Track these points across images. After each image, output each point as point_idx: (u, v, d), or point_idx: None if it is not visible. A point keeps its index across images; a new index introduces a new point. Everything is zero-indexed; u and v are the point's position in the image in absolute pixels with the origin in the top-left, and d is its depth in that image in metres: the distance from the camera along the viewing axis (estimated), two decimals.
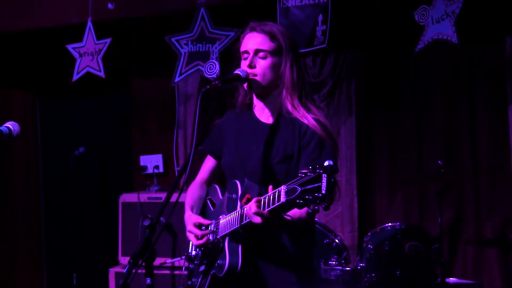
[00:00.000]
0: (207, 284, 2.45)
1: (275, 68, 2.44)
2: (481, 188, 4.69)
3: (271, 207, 2.12)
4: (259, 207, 2.16)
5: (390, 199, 4.93)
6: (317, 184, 1.94)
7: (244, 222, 2.28)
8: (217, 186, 2.69)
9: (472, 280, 4.50)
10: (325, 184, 1.92)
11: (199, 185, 2.71)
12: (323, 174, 1.93)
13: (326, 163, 1.95)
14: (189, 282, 2.62)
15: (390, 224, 4.11)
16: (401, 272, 3.93)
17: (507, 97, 4.51)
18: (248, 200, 2.29)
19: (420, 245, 3.99)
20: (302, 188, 1.98)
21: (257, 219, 2.16)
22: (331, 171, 1.93)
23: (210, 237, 2.48)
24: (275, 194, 2.11)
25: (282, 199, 2.07)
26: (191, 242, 2.69)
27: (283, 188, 2.07)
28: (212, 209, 2.64)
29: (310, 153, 2.37)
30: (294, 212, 2.28)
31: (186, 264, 2.71)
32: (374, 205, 4.98)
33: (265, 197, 2.16)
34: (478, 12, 4.16)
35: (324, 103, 4.89)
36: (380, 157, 4.97)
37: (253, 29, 2.48)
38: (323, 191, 1.92)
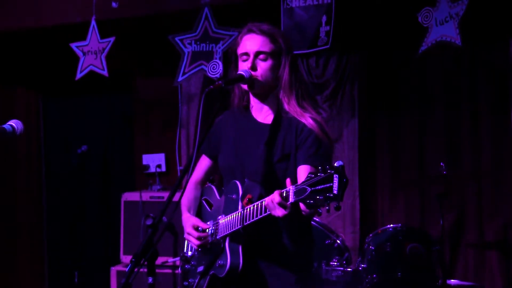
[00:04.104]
0: (205, 285, 2.46)
1: (274, 69, 2.46)
2: (483, 191, 4.68)
3: (295, 199, 2.08)
4: (283, 198, 2.13)
5: (391, 201, 4.92)
6: (328, 185, 1.94)
7: (246, 223, 2.28)
8: (213, 187, 2.69)
9: (473, 282, 4.50)
10: (336, 184, 1.93)
11: (193, 186, 2.71)
12: (335, 175, 1.94)
13: (336, 164, 1.95)
14: (185, 283, 2.62)
15: (391, 225, 4.12)
16: (402, 273, 3.93)
17: (510, 99, 4.50)
18: (250, 200, 2.29)
19: (422, 247, 3.99)
20: (312, 189, 1.98)
21: (280, 211, 2.14)
22: (343, 171, 1.94)
23: (209, 238, 2.49)
24: (283, 194, 2.11)
25: (291, 199, 2.07)
26: (186, 243, 2.69)
27: (291, 189, 2.08)
28: (209, 209, 2.64)
29: (307, 150, 2.38)
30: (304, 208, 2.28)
31: (181, 264, 2.72)
32: (376, 207, 4.98)
33: (283, 192, 2.13)
34: (482, 14, 4.15)
35: (327, 104, 4.89)
36: (382, 159, 4.97)
37: (251, 31, 2.48)
38: (335, 191, 1.93)
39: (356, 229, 4.85)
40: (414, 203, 4.85)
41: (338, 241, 4.12)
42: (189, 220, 2.56)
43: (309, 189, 1.99)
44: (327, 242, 4.08)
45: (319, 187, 1.97)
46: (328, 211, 1.99)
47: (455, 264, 4.73)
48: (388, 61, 4.92)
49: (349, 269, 4.03)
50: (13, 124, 2.39)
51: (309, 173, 2.02)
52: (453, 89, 4.76)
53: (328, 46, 4.12)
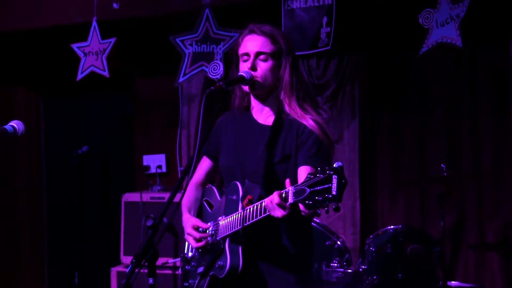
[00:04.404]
0: (205, 285, 2.46)
1: (275, 70, 2.46)
2: (484, 191, 4.68)
3: (294, 199, 2.08)
4: (282, 199, 2.13)
5: (392, 202, 4.92)
6: (327, 185, 1.95)
7: (246, 223, 2.29)
8: (214, 188, 2.70)
9: (473, 283, 4.50)
10: (335, 185, 1.94)
11: (194, 187, 2.71)
12: (333, 176, 1.94)
13: (335, 165, 1.96)
14: (186, 284, 2.63)
15: (392, 226, 4.12)
16: (402, 275, 3.93)
17: (510, 100, 4.50)
18: (250, 201, 2.29)
19: (422, 248, 3.99)
20: (311, 189, 1.99)
21: (279, 212, 2.14)
22: (342, 172, 1.95)
23: (209, 239, 2.49)
24: (283, 194, 2.11)
25: (290, 200, 2.08)
26: (187, 244, 2.69)
27: (291, 189, 2.08)
28: (209, 210, 2.65)
29: (307, 150, 2.39)
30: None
31: (182, 265, 2.72)
32: (376, 208, 4.98)
33: (283, 192, 2.14)
34: (482, 15, 4.15)
35: (327, 105, 4.90)
36: (382, 159, 4.97)
37: (252, 31, 2.49)
38: (334, 192, 1.94)
39: (356, 230, 4.85)
40: (415, 204, 4.85)
41: (339, 242, 4.12)
42: (189, 221, 2.57)
43: (308, 190, 2.00)
44: (327, 243, 4.08)
45: (318, 188, 1.98)
46: (327, 212, 1.99)
47: (455, 265, 4.73)
48: (388, 62, 4.92)
49: (349, 270, 4.03)
50: (14, 125, 2.40)
51: (308, 174, 2.03)
52: (453, 90, 4.76)
53: (329, 48, 4.12)
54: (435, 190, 4.42)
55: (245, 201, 2.32)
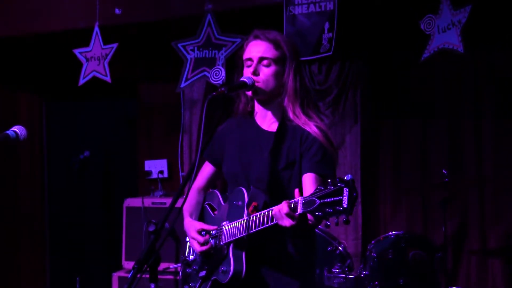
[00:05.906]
0: None
1: (278, 76, 2.46)
2: (486, 198, 4.67)
3: (303, 210, 2.07)
4: (291, 209, 2.12)
5: (394, 207, 4.92)
6: (337, 198, 1.95)
7: (252, 230, 2.28)
8: (217, 192, 2.69)
9: None
10: (346, 197, 1.93)
11: (196, 191, 2.71)
12: (345, 188, 1.94)
13: (346, 177, 1.95)
14: (186, 287, 2.62)
15: (394, 232, 4.12)
16: (404, 280, 3.92)
17: None
18: (255, 208, 2.29)
19: (424, 253, 3.98)
20: (321, 201, 1.99)
21: (288, 222, 2.13)
22: (353, 185, 1.94)
23: (212, 242, 2.49)
24: (291, 204, 2.11)
25: (299, 210, 2.07)
26: (188, 247, 2.69)
27: (300, 200, 2.07)
28: (212, 214, 2.64)
29: (311, 157, 2.39)
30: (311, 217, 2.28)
31: (182, 268, 2.71)
32: (378, 213, 4.98)
33: (292, 202, 2.13)
34: (484, 17, 4.14)
35: (329, 110, 4.90)
36: (384, 165, 4.97)
37: (257, 37, 2.49)
38: (345, 205, 1.93)
39: (358, 235, 4.85)
40: (417, 209, 4.85)
41: (340, 248, 4.11)
42: (193, 225, 2.56)
43: (318, 201, 1.99)
44: (329, 248, 4.08)
45: (328, 200, 1.97)
46: (337, 224, 1.98)
47: (457, 271, 4.72)
48: (390, 66, 4.93)
49: (351, 276, 4.02)
50: (17, 130, 2.41)
51: (318, 185, 2.02)
52: (455, 93, 4.76)
53: (330, 53, 4.12)
54: (437, 196, 4.42)
55: (251, 208, 2.31)
